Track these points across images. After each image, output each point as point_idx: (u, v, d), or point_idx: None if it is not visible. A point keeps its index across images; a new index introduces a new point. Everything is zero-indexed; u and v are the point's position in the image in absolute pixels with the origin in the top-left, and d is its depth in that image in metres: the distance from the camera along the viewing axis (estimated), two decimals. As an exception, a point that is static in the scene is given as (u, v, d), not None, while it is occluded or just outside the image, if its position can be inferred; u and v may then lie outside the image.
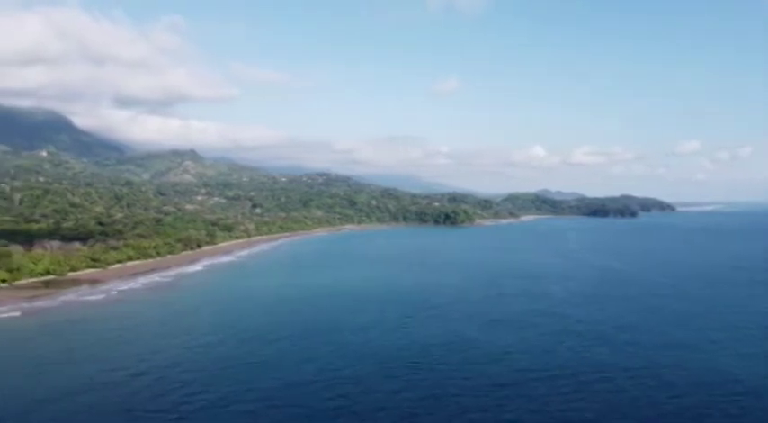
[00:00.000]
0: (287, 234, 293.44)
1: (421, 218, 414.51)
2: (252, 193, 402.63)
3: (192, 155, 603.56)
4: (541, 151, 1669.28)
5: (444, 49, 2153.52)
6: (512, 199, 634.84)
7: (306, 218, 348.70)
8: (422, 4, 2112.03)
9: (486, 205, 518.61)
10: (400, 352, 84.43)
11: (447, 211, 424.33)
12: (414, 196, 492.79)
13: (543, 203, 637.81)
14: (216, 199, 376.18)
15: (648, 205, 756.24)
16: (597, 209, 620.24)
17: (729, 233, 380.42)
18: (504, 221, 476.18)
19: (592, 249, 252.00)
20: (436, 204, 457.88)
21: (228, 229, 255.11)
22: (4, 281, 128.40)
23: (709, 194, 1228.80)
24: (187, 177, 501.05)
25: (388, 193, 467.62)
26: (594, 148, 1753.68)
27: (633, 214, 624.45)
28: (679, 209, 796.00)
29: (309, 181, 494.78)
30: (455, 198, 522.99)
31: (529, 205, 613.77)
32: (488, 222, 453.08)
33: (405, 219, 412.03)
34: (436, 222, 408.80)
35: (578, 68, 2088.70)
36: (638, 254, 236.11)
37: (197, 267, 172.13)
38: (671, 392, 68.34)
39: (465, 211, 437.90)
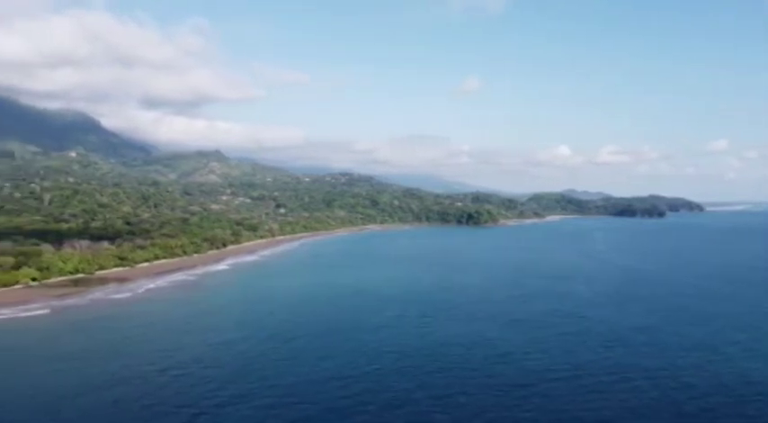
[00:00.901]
0: (310, 234, 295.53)
1: (443, 218, 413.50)
2: (276, 193, 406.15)
3: (218, 155, 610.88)
4: (566, 150, 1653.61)
5: (466, 48, 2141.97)
6: (537, 199, 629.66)
7: (329, 218, 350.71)
8: (443, 4, 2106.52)
9: (510, 205, 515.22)
10: (421, 351, 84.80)
11: (470, 211, 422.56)
12: (436, 196, 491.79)
13: (569, 203, 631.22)
14: (241, 199, 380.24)
15: (676, 205, 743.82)
16: (624, 209, 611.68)
17: (760, 233, 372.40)
18: (528, 221, 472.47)
19: (618, 250, 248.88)
20: (459, 204, 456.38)
21: (253, 228, 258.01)
22: (34, 279, 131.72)
23: (738, 194, 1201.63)
24: (212, 177, 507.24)
25: (411, 193, 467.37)
26: (620, 147, 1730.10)
27: (661, 214, 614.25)
28: (708, 209, 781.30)
29: (332, 181, 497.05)
30: (478, 198, 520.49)
31: (554, 205, 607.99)
32: (512, 222, 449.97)
33: (427, 219, 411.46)
34: (459, 222, 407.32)
35: (602, 67, 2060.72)
36: (666, 254, 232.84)
37: (222, 266, 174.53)
38: (690, 394, 67.72)
39: (488, 211, 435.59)
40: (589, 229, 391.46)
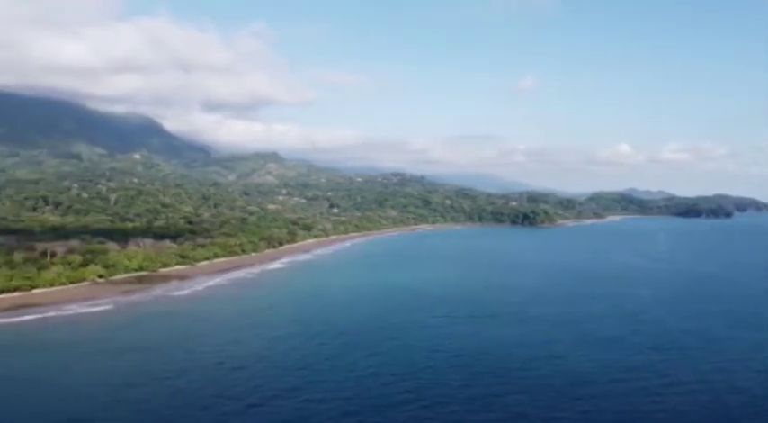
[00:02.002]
0: (362, 234, 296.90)
1: (497, 218, 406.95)
2: (329, 194, 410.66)
3: (274, 157, 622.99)
4: (627, 148, 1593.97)
5: (522, 47, 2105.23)
6: (596, 198, 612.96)
7: (380, 218, 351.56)
8: (497, 3, 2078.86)
9: (567, 205, 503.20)
10: (469, 350, 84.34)
11: (525, 211, 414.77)
12: (489, 196, 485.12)
13: (630, 203, 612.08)
14: (296, 199, 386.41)
15: (744, 205, 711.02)
16: (688, 209, 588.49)
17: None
18: (587, 222, 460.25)
19: (681, 252, 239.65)
20: (513, 204, 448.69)
21: (308, 228, 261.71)
22: (101, 276, 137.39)
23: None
24: (269, 178, 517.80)
25: (463, 193, 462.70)
26: (684, 145, 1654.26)
27: (728, 214, 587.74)
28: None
29: (384, 181, 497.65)
30: (534, 197, 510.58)
31: (614, 205, 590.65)
32: (570, 223, 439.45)
33: (480, 219, 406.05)
34: (514, 223, 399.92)
35: (663, 63, 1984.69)
36: (734, 257, 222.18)
37: (278, 264, 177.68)
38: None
39: (545, 211, 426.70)
40: (651, 231, 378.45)
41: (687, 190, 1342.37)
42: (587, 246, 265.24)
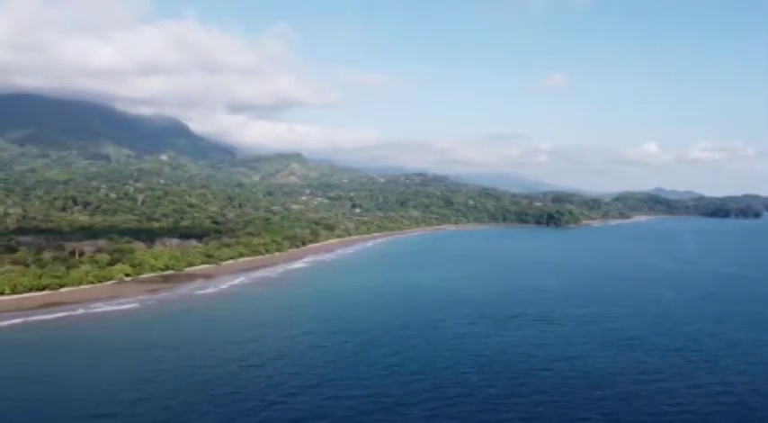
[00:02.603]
0: (384, 233, 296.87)
1: (521, 218, 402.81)
2: (351, 194, 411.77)
3: (298, 157, 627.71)
4: (654, 147, 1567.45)
5: (547, 46, 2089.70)
6: (622, 199, 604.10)
7: (402, 218, 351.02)
8: (523, 3, 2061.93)
9: (593, 205, 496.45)
10: (491, 350, 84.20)
11: (550, 211, 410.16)
12: (513, 196, 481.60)
13: (657, 203, 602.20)
14: (319, 199, 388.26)
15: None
16: (717, 209, 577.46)
17: None
18: (613, 222, 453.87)
19: (708, 252, 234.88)
20: (538, 204, 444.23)
21: (330, 228, 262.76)
22: (128, 275, 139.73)
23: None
24: (293, 179, 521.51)
25: (487, 193, 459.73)
26: (712, 144, 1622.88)
27: (757, 214, 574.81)
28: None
29: (406, 181, 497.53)
30: (559, 197, 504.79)
31: (641, 205, 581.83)
32: (596, 223, 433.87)
33: (504, 219, 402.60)
34: (538, 223, 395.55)
35: (691, 62, 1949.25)
36: (761, 258, 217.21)
37: (301, 264, 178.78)
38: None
39: (570, 212, 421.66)
40: (679, 231, 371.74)
41: (716, 190, 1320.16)
42: (612, 246, 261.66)
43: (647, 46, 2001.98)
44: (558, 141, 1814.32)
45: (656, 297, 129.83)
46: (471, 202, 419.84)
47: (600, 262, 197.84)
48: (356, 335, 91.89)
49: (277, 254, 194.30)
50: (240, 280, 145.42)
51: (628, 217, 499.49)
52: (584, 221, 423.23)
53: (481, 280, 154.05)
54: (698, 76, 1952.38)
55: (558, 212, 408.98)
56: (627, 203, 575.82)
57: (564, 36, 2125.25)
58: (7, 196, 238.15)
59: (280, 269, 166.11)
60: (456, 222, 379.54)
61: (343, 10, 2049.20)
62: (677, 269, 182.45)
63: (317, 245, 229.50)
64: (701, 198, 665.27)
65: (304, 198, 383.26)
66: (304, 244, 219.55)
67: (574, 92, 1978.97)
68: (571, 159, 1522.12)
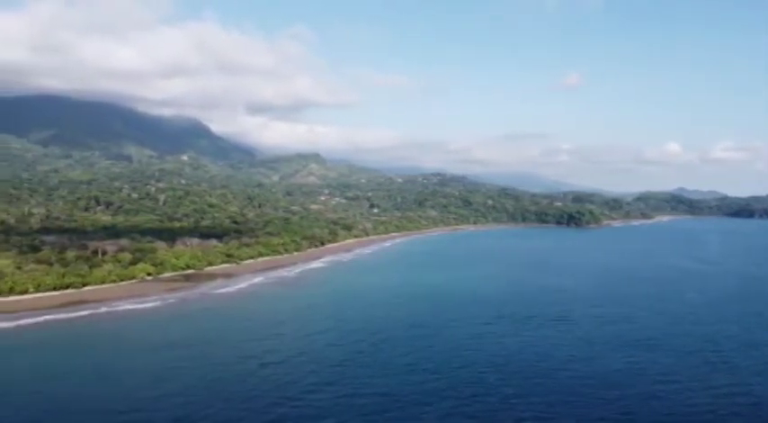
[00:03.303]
0: (402, 233, 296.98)
1: (541, 218, 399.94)
2: (369, 194, 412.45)
3: (316, 158, 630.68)
4: (676, 147, 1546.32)
5: (566, 44, 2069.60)
6: (644, 199, 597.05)
7: (420, 218, 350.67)
8: (537, 3, 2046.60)
9: (614, 205, 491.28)
10: (507, 350, 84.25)
11: (570, 212, 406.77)
12: (533, 196, 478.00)
13: (679, 203, 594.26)
14: (337, 199, 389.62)
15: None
16: (740, 209, 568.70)
17: None
18: (635, 223, 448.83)
19: (730, 253, 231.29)
20: (558, 204, 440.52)
21: (348, 228, 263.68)
22: (149, 274, 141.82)
23: None
24: (312, 179, 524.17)
25: (506, 193, 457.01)
26: (735, 143, 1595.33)
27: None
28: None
29: (424, 181, 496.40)
30: (580, 197, 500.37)
31: (663, 205, 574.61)
32: (617, 223, 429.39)
33: (523, 219, 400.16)
34: (558, 223, 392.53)
35: (713, 61, 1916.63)
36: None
37: (319, 264, 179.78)
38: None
39: (591, 212, 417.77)
40: (701, 232, 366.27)
41: (739, 190, 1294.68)
42: (633, 247, 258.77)
43: (663, 45, 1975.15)
44: (578, 141, 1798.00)
45: (676, 298, 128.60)
46: (490, 202, 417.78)
47: (620, 262, 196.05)
48: (373, 334, 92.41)
49: (296, 253, 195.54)
50: (259, 279, 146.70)
51: (650, 217, 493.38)
52: (606, 222, 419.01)
53: (500, 280, 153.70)
54: (720, 76, 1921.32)
55: (578, 212, 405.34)
56: (649, 204, 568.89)
57: (579, 35, 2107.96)
58: (31, 196, 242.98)
59: (298, 269, 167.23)
60: (475, 222, 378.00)
61: (359, 11, 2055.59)
62: (699, 270, 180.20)
63: (335, 245, 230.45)
64: (724, 198, 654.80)
65: (323, 198, 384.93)
66: (322, 244, 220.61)
67: (592, 91, 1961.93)
68: (592, 159, 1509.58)
